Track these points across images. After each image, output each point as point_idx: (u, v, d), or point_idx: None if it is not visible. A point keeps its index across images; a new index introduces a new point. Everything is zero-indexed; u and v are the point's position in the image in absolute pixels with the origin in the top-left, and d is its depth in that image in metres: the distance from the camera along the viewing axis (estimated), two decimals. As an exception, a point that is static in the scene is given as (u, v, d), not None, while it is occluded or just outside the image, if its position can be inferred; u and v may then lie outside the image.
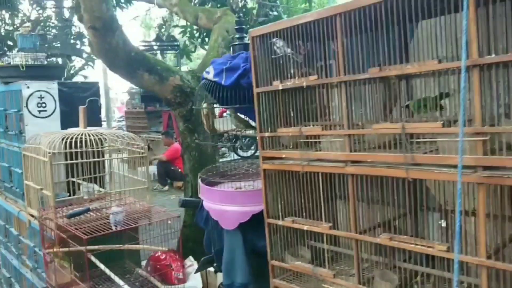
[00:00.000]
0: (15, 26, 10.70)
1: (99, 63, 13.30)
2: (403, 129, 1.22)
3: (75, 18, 11.65)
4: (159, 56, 8.53)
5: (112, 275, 2.13)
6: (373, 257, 1.52)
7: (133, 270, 2.40)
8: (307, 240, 1.74)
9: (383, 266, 1.51)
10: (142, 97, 8.53)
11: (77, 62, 11.94)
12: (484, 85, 1.13)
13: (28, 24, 3.42)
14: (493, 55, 1.09)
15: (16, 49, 2.99)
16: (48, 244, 2.20)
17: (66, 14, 11.29)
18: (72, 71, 12.18)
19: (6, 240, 3.11)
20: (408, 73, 1.26)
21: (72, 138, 2.34)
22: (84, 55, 9.21)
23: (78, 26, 11.77)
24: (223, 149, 7.45)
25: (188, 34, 8.15)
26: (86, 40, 11.34)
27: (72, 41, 10.72)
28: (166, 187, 7.53)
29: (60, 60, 10.83)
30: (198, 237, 3.02)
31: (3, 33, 10.37)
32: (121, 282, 2.10)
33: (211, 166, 2.22)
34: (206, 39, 6.90)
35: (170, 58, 11.07)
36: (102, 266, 2.18)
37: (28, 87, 2.57)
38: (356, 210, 1.42)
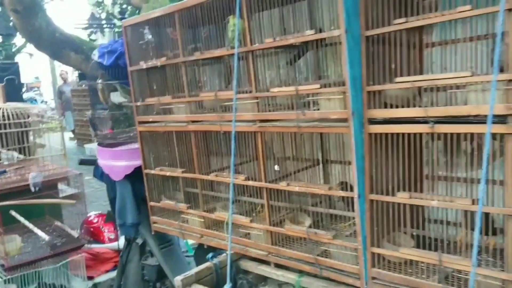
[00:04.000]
0: None
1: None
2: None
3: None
4: (99, 35, 8.67)
5: (31, 226, 2.56)
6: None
7: (52, 223, 2.83)
8: (181, 186, 2.24)
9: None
10: (80, 75, 8.68)
11: (19, 40, 11.77)
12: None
13: None
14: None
15: None
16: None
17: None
18: (13, 50, 11.99)
19: None
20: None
21: (-9, 112, 2.70)
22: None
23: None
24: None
25: (128, 12, 8.33)
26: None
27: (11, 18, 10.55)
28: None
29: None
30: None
31: None
32: (38, 231, 2.54)
33: (107, 129, 2.66)
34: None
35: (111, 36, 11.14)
36: (21, 219, 2.60)
37: (-51, 68, 2.87)
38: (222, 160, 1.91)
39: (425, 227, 1.59)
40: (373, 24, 1.30)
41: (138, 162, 2.21)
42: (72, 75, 13.09)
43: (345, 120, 1.36)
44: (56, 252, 2.38)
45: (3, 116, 2.71)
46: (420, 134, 1.29)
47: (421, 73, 1.51)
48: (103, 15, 8.60)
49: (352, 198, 1.40)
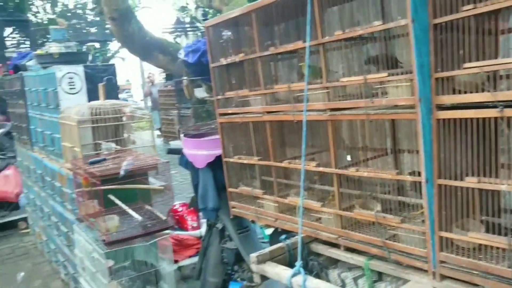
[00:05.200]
0: (56, 15, 11.69)
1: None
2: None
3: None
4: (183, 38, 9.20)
5: (126, 207, 2.88)
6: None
7: (143, 207, 3.14)
8: (258, 174, 2.39)
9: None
10: (166, 76, 9.28)
11: (114, 45, 12.84)
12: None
13: (62, 19, 4.17)
14: None
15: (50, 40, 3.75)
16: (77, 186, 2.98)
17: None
18: (108, 54, 13.12)
19: (53, 192, 3.95)
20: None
21: (94, 108, 3.08)
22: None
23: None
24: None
25: (210, 16, 8.77)
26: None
27: (106, 26, 11.58)
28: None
29: (98, 44, 11.75)
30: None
31: (46, 21, 11.35)
32: (132, 213, 2.85)
33: (191, 124, 2.90)
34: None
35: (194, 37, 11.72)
36: (118, 202, 2.93)
37: (61, 70, 3.32)
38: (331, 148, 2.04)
39: (500, 216, 1.57)
40: (441, 11, 1.33)
41: (219, 151, 2.40)
42: (159, 77, 14.00)
43: (412, 106, 1.40)
44: (147, 231, 2.66)
45: (104, 111, 3.08)
46: (495, 119, 1.29)
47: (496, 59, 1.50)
48: (187, 19, 9.14)
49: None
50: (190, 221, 4.62)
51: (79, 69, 3.40)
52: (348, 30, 1.58)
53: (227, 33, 2.16)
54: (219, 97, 2.28)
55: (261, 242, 3.07)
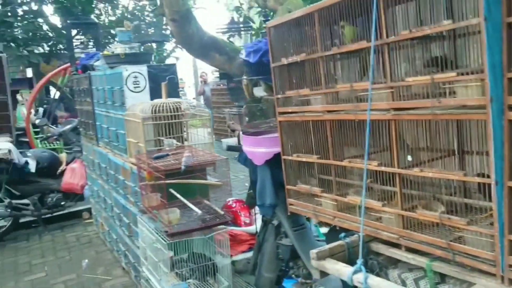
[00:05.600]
0: (116, 17, 12.26)
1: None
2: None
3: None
4: (236, 38, 9.36)
5: (186, 201, 3.00)
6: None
7: (202, 202, 3.26)
8: (316, 173, 2.42)
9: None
10: (221, 75, 9.47)
11: (169, 45, 13.29)
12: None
13: (128, 22, 4.40)
14: None
15: (116, 41, 3.96)
16: (141, 180, 3.15)
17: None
18: (164, 54, 13.59)
19: (116, 185, 4.18)
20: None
21: (157, 106, 3.24)
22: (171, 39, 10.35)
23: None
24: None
25: (262, 15, 8.86)
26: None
27: (163, 26, 12.02)
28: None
29: (154, 45, 12.20)
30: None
31: (107, 23, 11.93)
32: (192, 206, 2.97)
33: (251, 122, 2.98)
34: (279, 18, 7.58)
35: (247, 37, 11.88)
36: (179, 196, 3.07)
37: (126, 70, 3.51)
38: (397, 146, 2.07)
39: None
40: (516, 10, 1.30)
41: (277, 149, 2.45)
42: (212, 76, 14.30)
43: (482, 107, 1.38)
44: (207, 225, 2.76)
45: (166, 109, 3.22)
46: None
47: None
48: (241, 19, 9.28)
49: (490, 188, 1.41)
50: (243, 217, 4.72)
51: (143, 68, 3.57)
52: (415, 29, 1.57)
53: (288, 33, 2.20)
54: (279, 96, 2.33)
55: (315, 240, 3.09)
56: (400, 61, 1.78)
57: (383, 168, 1.80)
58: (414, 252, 1.75)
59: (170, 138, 3.31)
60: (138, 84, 3.56)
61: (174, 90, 3.64)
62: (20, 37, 9.06)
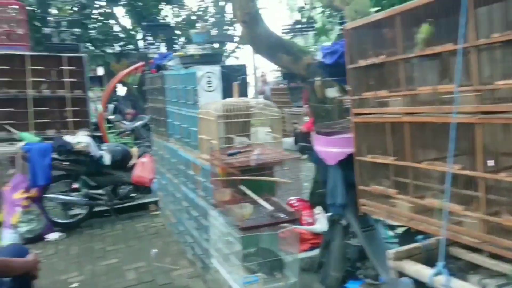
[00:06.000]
0: (182, 18, 12.72)
1: (248, 46, 14.82)
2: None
3: (227, 7, 13.27)
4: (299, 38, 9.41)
5: (257, 197, 3.11)
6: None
7: (270, 199, 3.35)
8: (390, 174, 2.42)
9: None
10: (284, 75, 9.56)
11: (229, 45, 13.61)
12: None
13: (203, 24, 4.60)
14: None
15: (191, 42, 4.15)
16: (214, 175, 3.29)
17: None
18: (225, 54, 13.92)
19: (185, 179, 4.38)
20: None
21: (229, 105, 3.37)
22: (235, 39, 10.59)
23: (231, 13, 13.41)
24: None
25: (327, 14, 8.85)
26: (236, 26, 12.88)
27: (225, 27, 12.32)
28: (305, 155, 8.51)
29: (216, 45, 12.52)
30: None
31: (173, 24, 12.39)
32: (263, 202, 3.07)
33: (322, 123, 3.02)
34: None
35: (311, 37, 11.88)
36: (249, 192, 3.18)
37: (201, 70, 3.68)
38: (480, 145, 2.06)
39: None
40: None
41: (350, 149, 2.48)
42: (271, 76, 14.43)
43: None
44: (278, 221, 2.85)
45: (237, 108, 3.35)
46: None
47: None
48: (303, 20, 9.31)
49: None
50: (305, 216, 4.76)
51: (216, 69, 3.73)
52: (508, 31, 1.55)
53: (366, 35, 2.23)
54: (355, 97, 2.36)
55: (384, 242, 3.08)
56: (487, 64, 1.76)
57: (467, 172, 1.79)
58: (497, 258, 1.72)
59: (240, 136, 3.43)
60: (211, 83, 3.72)
61: (244, 89, 3.76)
62: (95, 38, 9.70)
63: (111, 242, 5.34)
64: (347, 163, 2.55)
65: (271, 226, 2.89)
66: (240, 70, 3.77)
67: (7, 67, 5.74)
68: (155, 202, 6.33)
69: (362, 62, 2.24)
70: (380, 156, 2.28)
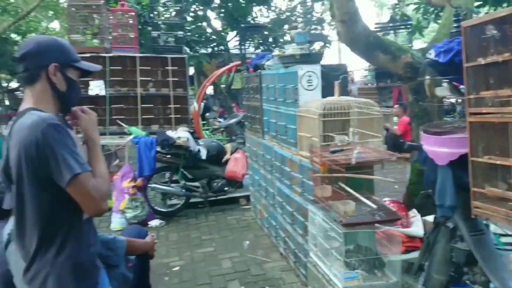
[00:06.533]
0: (270, 19, 12.98)
1: (334, 44, 14.70)
2: None
3: (315, 6, 13.28)
4: (392, 36, 9.16)
5: (358, 195, 3.14)
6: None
7: (370, 197, 3.36)
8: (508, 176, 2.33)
9: None
10: (376, 74, 9.38)
11: (316, 45, 13.61)
12: None
13: (303, 25, 4.72)
14: None
15: (290, 43, 4.27)
16: (314, 172, 3.38)
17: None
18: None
19: (280, 175, 4.52)
20: None
21: (330, 103, 3.44)
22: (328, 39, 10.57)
23: (319, 13, 13.39)
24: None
25: (422, 11, 8.53)
26: (325, 25, 12.82)
27: (313, 26, 12.35)
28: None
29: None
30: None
31: (264, 25, 12.67)
32: (366, 200, 3.09)
33: (431, 122, 2.96)
34: (440, 14, 7.21)
35: (402, 34, 11.49)
36: (349, 189, 3.22)
37: (302, 69, 3.79)
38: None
39: None
40: None
41: (463, 150, 2.42)
42: (358, 75, 14.18)
43: None
44: (381, 219, 2.86)
45: (339, 107, 3.40)
46: None
47: None
48: (396, 17, 9.04)
49: None
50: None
51: (317, 68, 3.81)
52: None
53: (491, 31, 2.16)
54: (472, 96, 2.30)
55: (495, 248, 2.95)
56: None
57: None
58: None
59: (340, 134, 3.48)
60: (311, 82, 3.81)
61: (344, 88, 3.80)
62: (191, 39, 10.30)
63: (206, 232, 5.67)
64: (458, 164, 2.49)
65: (374, 224, 2.91)
66: (340, 70, 3.82)
67: (120, 68, 6.34)
68: (246, 197, 6.59)
69: (482, 61, 2.18)
70: (499, 157, 2.20)
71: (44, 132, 1.66)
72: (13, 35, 14.35)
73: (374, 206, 2.89)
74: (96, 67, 2.05)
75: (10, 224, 1.84)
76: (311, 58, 4.01)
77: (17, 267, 1.92)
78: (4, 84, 16.57)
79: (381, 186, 6.83)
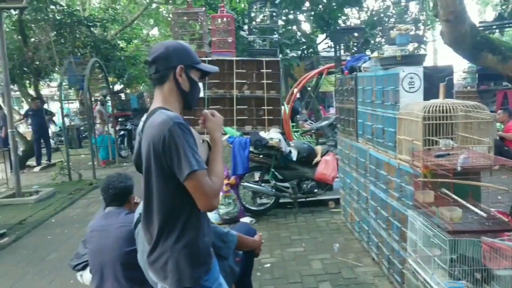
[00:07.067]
0: (361, 20, 12.75)
1: (429, 45, 13.98)
2: None
3: (410, 5, 12.75)
4: (497, 35, 8.52)
5: (464, 202, 2.99)
6: None
7: (477, 205, 3.18)
8: None
9: None
10: (479, 76, 8.78)
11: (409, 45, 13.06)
12: None
13: (405, 26, 4.61)
14: None
15: (389, 44, 4.19)
16: (415, 177, 3.28)
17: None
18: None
19: (376, 179, 4.44)
20: None
21: (436, 106, 3.31)
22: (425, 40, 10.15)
23: (414, 12, 12.85)
24: None
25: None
26: (420, 25, 12.26)
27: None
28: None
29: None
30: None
31: (360, 26, 12.44)
32: (474, 208, 2.93)
33: None
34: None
35: (508, 33, 10.63)
36: (454, 196, 3.07)
37: (403, 71, 3.70)
38: None
39: None
40: None
41: None
42: (455, 77, 13.35)
43: None
44: (492, 229, 2.70)
45: (444, 109, 3.26)
46: None
47: None
48: (504, 15, 8.37)
49: None
50: (508, 231, 4.33)
51: (420, 69, 3.69)
52: None
53: None
54: None
55: None
56: None
57: None
58: None
59: (445, 138, 3.33)
60: (413, 84, 3.70)
61: (449, 91, 3.64)
62: (283, 43, 10.48)
63: (296, 232, 5.74)
64: None
65: (483, 233, 2.75)
66: (445, 71, 3.66)
67: (218, 71, 6.68)
68: (335, 200, 6.55)
69: None
70: None
71: (171, 129, 1.84)
72: (119, 41, 15.70)
73: (484, 214, 2.73)
74: (214, 68, 2.23)
75: (141, 205, 2.06)
76: (413, 59, 3.90)
77: (142, 248, 2.15)
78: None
79: (483, 195, 6.40)
